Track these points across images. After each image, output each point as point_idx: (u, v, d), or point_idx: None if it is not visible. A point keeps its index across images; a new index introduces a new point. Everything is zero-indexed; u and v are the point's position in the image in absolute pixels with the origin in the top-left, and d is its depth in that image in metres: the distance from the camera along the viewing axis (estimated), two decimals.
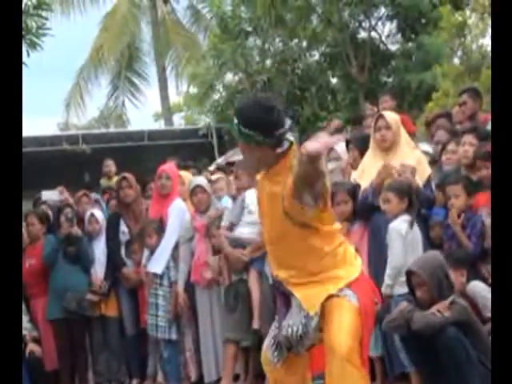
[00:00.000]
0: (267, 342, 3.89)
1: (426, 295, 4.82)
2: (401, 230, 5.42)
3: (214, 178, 7.07)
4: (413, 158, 5.83)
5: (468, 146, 5.90)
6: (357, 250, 5.60)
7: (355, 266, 3.79)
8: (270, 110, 3.49)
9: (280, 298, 3.86)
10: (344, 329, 3.56)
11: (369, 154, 6.03)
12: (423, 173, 5.79)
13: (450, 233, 5.53)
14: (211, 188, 6.96)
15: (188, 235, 6.95)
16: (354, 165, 6.38)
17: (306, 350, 3.83)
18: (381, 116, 5.96)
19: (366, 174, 5.92)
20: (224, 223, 6.45)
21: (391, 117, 5.98)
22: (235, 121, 3.56)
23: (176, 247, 6.99)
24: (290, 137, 3.60)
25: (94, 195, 8.62)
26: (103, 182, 10.26)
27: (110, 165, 10.24)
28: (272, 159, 3.59)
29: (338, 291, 3.65)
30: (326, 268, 3.70)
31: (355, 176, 6.06)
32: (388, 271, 5.45)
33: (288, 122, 3.54)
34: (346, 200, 5.86)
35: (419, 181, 5.71)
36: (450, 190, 5.56)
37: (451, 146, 6.19)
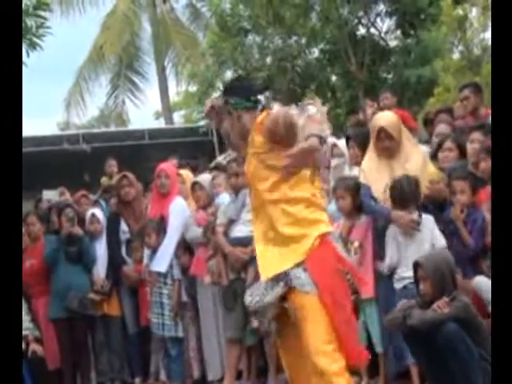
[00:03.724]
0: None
1: (428, 289, 4.83)
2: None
3: (210, 176, 7.15)
4: (417, 157, 5.81)
5: (477, 143, 5.77)
6: (361, 246, 5.70)
7: (320, 222, 3.86)
8: (242, 79, 4.38)
9: None
10: (319, 338, 3.66)
11: (370, 157, 5.97)
12: (427, 171, 5.77)
13: (451, 228, 5.53)
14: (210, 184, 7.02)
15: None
16: (354, 161, 6.34)
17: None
18: (382, 129, 5.79)
19: (368, 178, 5.87)
20: (220, 221, 6.45)
21: (391, 124, 5.83)
22: (226, 98, 4.03)
23: (178, 245, 7.03)
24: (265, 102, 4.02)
25: (92, 196, 8.64)
26: (104, 180, 10.27)
27: (112, 165, 10.25)
28: (251, 124, 3.93)
29: (292, 273, 3.74)
30: (291, 220, 3.81)
31: (357, 175, 6.03)
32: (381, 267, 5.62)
33: (266, 93, 4.01)
34: (343, 196, 5.87)
35: (424, 179, 5.71)
36: (457, 186, 5.49)
37: (448, 144, 6.13)
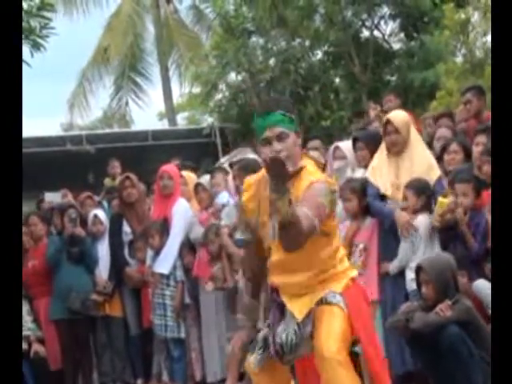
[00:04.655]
0: (254, 344, 3.84)
1: (431, 293, 4.85)
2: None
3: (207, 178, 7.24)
4: (425, 160, 5.83)
5: (481, 146, 5.77)
6: (365, 249, 5.70)
7: (348, 271, 3.80)
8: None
9: (275, 302, 3.84)
10: (332, 333, 3.57)
11: (380, 154, 6.00)
12: (434, 174, 5.79)
13: (454, 231, 5.52)
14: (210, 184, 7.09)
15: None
16: (363, 163, 6.34)
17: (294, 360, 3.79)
18: (389, 121, 5.91)
19: (377, 175, 5.91)
20: (225, 222, 6.46)
21: (399, 119, 5.92)
22: (276, 113, 3.63)
23: (182, 246, 7.05)
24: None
25: (96, 198, 8.65)
26: (107, 181, 10.30)
27: (115, 166, 10.29)
28: (295, 156, 3.64)
29: (326, 294, 3.66)
30: (323, 273, 3.70)
31: (366, 175, 6.04)
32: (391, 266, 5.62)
33: None
34: (349, 198, 5.89)
35: (430, 181, 5.72)
36: (460, 188, 5.49)
37: (454, 146, 6.14)
